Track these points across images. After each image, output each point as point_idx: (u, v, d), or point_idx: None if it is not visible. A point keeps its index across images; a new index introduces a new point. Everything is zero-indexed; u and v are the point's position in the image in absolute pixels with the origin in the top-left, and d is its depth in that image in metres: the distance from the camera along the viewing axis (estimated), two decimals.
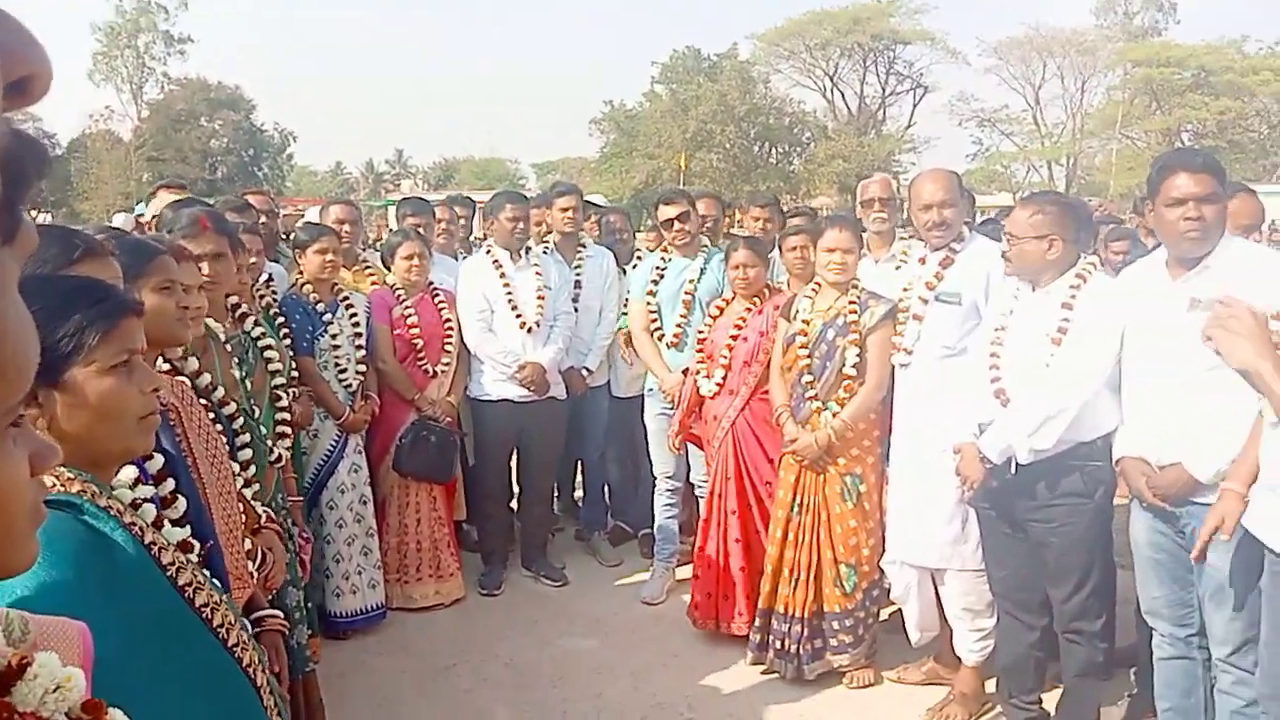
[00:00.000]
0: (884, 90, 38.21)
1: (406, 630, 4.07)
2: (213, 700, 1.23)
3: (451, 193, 7.45)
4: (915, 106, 38.38)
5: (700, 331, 4.07)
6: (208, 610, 1.28)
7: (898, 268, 3.77)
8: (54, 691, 0.84)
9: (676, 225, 4.28)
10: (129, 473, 1.41)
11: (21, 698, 0.81)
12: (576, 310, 4.56)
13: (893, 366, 3.44)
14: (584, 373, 4.62)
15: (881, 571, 3.54)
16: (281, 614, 2.08)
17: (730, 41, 42.30)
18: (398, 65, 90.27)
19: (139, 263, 1.88)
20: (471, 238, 5.97)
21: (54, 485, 1.17)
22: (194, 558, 1.45)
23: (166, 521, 1.50)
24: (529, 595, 4.46)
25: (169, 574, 1.25)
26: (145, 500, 1.45)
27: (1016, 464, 2.87)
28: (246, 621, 1.51)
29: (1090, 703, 3.06)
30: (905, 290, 3.43)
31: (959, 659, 3.39)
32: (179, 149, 36.27)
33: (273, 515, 2.37)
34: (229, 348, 2.69)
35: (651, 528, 4.59)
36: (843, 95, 38.46)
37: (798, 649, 3.53)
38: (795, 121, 36.49)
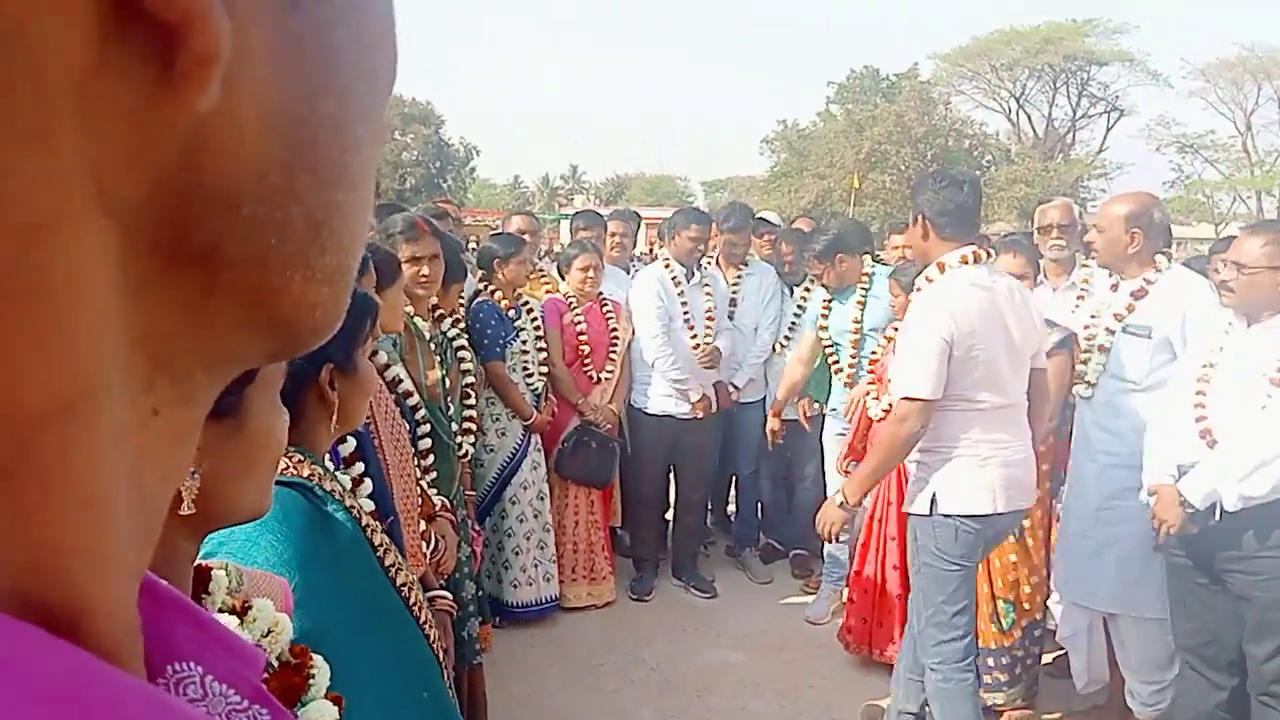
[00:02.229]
0: (1074, 113, 36.29)
1: (559, 627, 4.21)
2: (408, 674, 1.32)
3: (619, 208, 7.62)
4: (1109, 130, 36.22)
5: (872, 354, 4.03)
6: (406, 590, 1.38)
7: (1080, 296, 3.61)
8: (268, 635, 0.95)
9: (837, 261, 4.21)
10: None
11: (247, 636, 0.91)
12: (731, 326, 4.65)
13: (1073, 399, 3.29)
14: (730, 389, 4.67)
15: (1045, 611, 3.38)
16: (450, 595, 2.21)
17: (911, 61, 41.41)
18: (575, 83, 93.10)
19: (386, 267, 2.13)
20: (636, 251, 6.11)
21: (287, 468, 1.27)
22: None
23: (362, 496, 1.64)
24: (678, 604, 4.52)
25: (379, 554, 1.35)
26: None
27: (1222, 510, 2.66)
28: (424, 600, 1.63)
29: None
30: (1093, 318, 3.28)
31: (1129, 710, 3.20)
32: None
33: (447, 504, 2.53)
34: (431, 346, 2.89)
35: (807, 548, 4.54)
36: (1029, 117, 36.79)
37: None
38: (976, 144, 35.14)
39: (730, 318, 4.67)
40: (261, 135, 0.26)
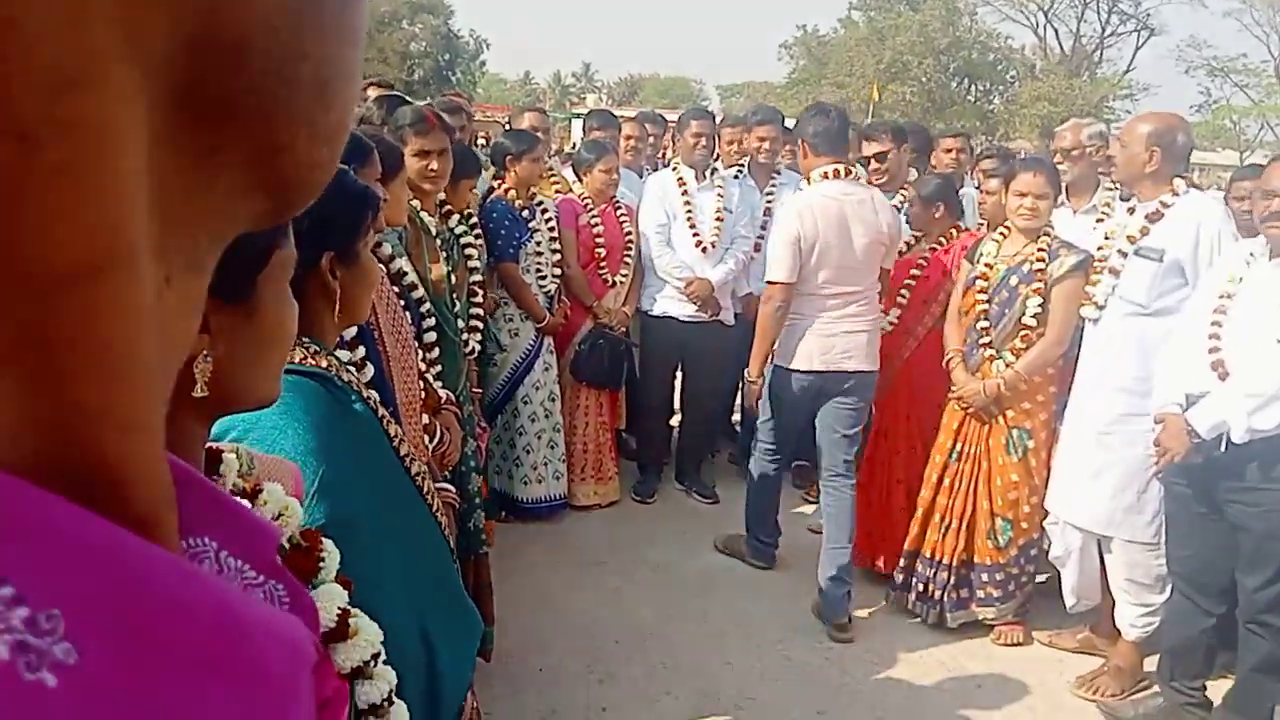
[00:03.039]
0: (1103, 29, 35.21)
1: (564, 525, 4.30)
2: (425, 558, 1.35)
3: (644, 109, 7.46)
4: (1138, 49, 35.17)
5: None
6: (420, 479, 1.40)
7: (1099, 219, 3.56)
8: (279, 517, 0.95)
9: (873, 164, 4.13)
10: None
11: None
12: (763, 238, 4.52)
13: (1080, 321, 3.27)
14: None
15: (1042, 532, 3.43)
16: (454, 489, 2.23)
17: None
18: None
19: (389, 157, 2.10)
20: (660, 155, 6.00)
21: (305, 358, 1.29)
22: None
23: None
24: (680, 508, 4.59)
25: (394, 445, 1.36)
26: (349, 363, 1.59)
27: (1228, 441, 2.66)
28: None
29: (1266, 699, 2.86)
30: (1107, 239, 3.23)
31: (1118, 631, 3.27)
32: (381, 49, 37.74)
33: (453, 398, 2.53)
34: (438, 242, 2.86)
35: (807, 459, 4.58)
36: (1056, 33, 35.72)
37: (942, 595, 3.49)
38: (1000, 58, 34.23)
39: (764, 228, 4.56)
40: None
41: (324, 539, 1.00)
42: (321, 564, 0.98)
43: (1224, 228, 3.02)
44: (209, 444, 0.90)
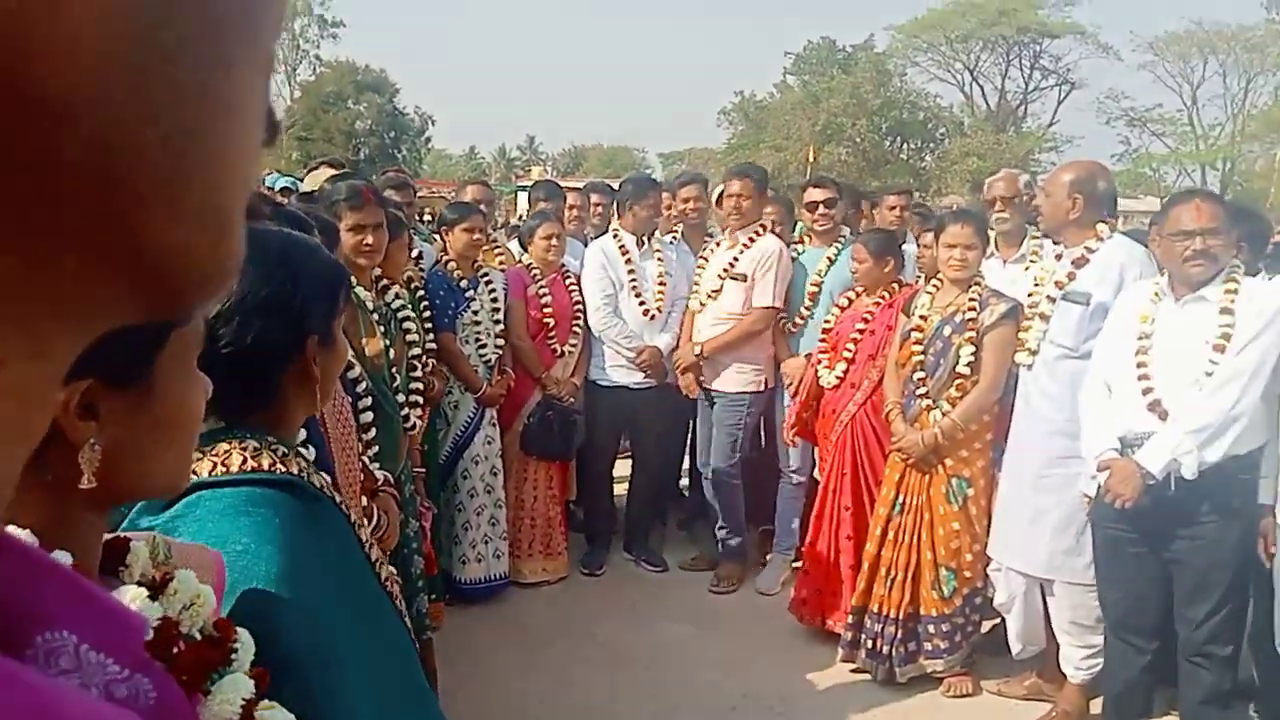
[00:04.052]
0: (1026, 85, 36.67)
1: (512, 603, 4.21)
2: (392, 669, 1.25)
3: (590, 179, 7.57)
4: (1060, 103, 36.68)
5: (826, 323, 4.06)
6: (378, 567, 1.33)
7: (1027, 268, 3.67)
8: (189, 608, 0.93)
9: (821, 210, 4.28)
10: None
11: (163, 608, 0.89)
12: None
13: (1014, 368, 3.35)
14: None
15: (986, 580, 3.46)
16: (395, 571, 2.19)
17: (866, 33, 41.43)
18: (533, 54, 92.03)
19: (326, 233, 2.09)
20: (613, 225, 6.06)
21: (274, 464, 1.18)
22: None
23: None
24: (630, 578, 4.54)
25: (365, 548, 1.30)
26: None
27: (1177, 478, 2.70)
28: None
29: None
30: (1036, 286, 3.33)
31: (1064, 675, 3.28)
32: (326, 129, 37.92)
33: (390, 479, 2.50)
34: (375, 317, 2.85)
35: (771, 521, 4.57)
36: (982, 90, 37.11)
37: (890, 650, 3.49)
38: (930, 116, 35.43)
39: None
40: (104, 38, 0.23)
41: (237, 629, 0.98)
42: (234, 655, 0.96)
43: (1146, 270, 3.13)
44: (119, 534, 0.88)
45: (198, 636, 0.96)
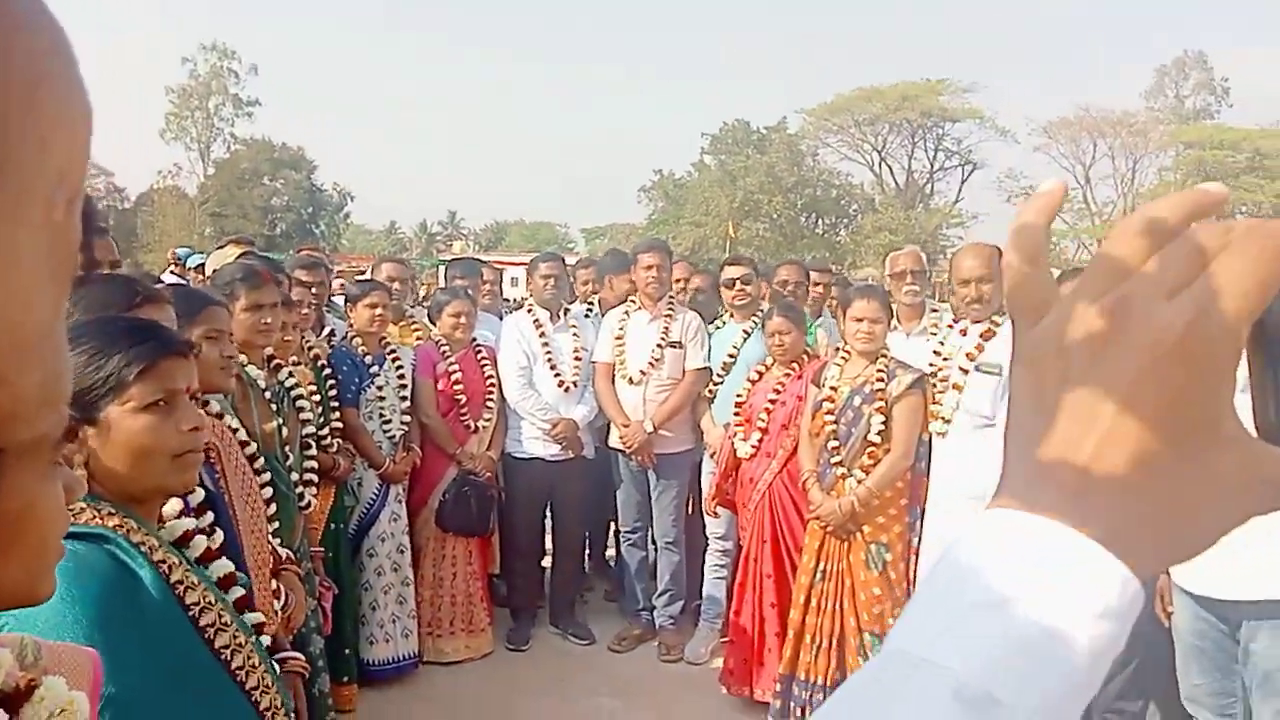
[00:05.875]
0: (932, 166, 38.47)
1: (436, 683, 4.09)
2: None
3: (541, 252, 7.58)
4: (964, 182, 38.57)
5: (739, 395, 4.13)
6: (228, 652, 1.29)
7: (928, 340, 3.81)
8: (58, 715, 0.89)
9: (739, 286, 4.38)
10: (174, 505, 1.48)
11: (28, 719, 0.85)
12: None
13: (928, 436, 3.46)
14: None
15: None
16: (303, 656, 2.14)
17: (779, 115, 43.03)
18: (454, 130, 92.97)
19: (191, 309, 2.01)
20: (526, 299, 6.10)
21: (94, 518, 1.20)
22: (238, 591, 1.50)
23: (217, 557, 1.55)
24: (556, 653, 4.47)
25: (191, 614, 1.26)
26: (197, 532, 1.51)
27: None
28: (273, 662, 1.51)
29: None
30: (945, 360, 3.46)
31: None
32: (241, 205, 37.50)
33: (293, 556, 2.45)
34: (267, 395, 2.82)
35: (698, 591, 4.56)
36: (890, 170, 38.78)
37: None
38: (842, 194, 36.80)
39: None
40: None
41: None
42: None
43: None
44: None
45: None
